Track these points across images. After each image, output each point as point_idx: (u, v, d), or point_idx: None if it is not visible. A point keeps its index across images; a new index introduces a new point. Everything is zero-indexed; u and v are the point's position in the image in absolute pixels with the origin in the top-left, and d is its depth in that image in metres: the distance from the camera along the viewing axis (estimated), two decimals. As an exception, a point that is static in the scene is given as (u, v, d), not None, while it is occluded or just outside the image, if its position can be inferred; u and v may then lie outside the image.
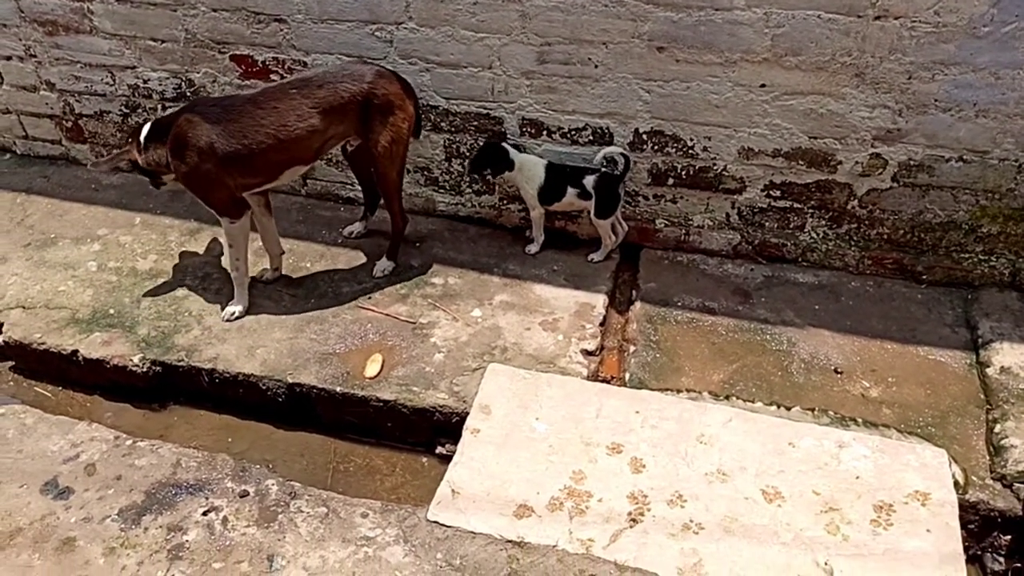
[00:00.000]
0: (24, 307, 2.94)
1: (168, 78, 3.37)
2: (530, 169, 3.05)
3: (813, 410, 2.51)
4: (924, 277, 3.03)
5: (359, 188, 3.47)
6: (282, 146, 2.66)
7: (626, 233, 3.19)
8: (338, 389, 2.62)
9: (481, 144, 3.12)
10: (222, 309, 2.91)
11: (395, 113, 2.78)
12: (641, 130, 2.99)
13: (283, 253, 3.08)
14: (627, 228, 3.19)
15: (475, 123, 3.15)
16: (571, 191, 3.02)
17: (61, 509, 2.19)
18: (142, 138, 2.70)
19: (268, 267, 3.10)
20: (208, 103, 2.71)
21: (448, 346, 2.77)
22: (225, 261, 3.08)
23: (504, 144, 3.06)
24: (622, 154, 2.97)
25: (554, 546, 2.09)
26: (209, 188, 2.72)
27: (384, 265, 3.11)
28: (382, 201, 3.14)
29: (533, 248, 3.21)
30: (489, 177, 3.14)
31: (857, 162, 2.86)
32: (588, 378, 2.66)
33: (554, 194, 3.05)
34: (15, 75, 3.59)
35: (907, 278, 3.05)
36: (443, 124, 3.19)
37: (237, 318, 2.89)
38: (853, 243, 3.04)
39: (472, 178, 3.27)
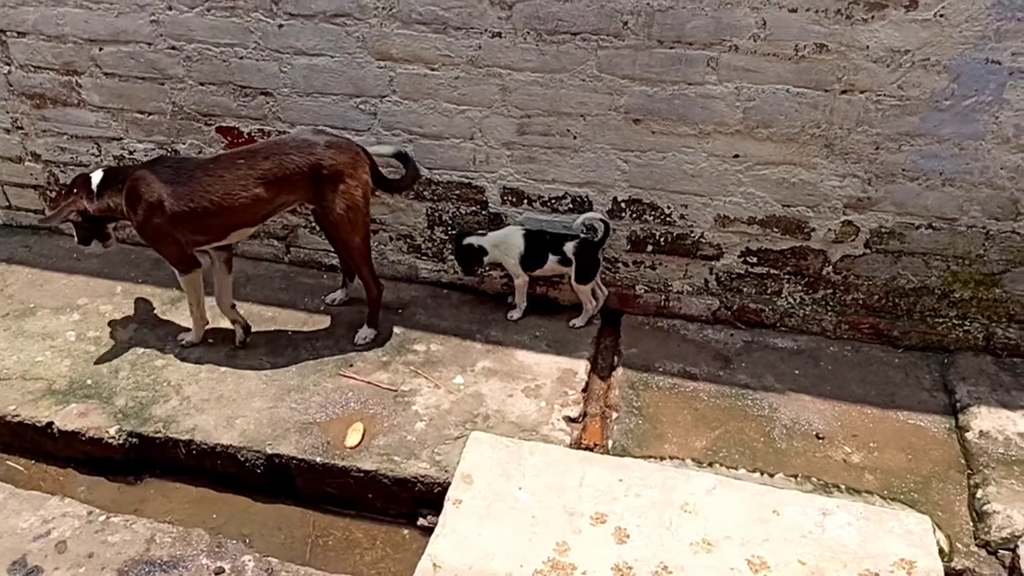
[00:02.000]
0: (0, 378, 2.90)
1: (154, 149, 3.42)
2: (507, 241, 3.10)
3: (796, 476, 2.51)
4: (901, 341, 3.08)
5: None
6: (225, 212, 2.75)
7: (606, 298, 3.23)
8: (318, 459, 2.59)
9: (455, 241, 3.20)
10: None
11: (346, 181, 2.81)
12: (619, 198, 3.06)
13: (234, 306, 3.09)
14: (607, 293, 3.22)
15: (457, 192, 3.20)
16: (552, 258, 3.06)
17: (29, 590, 2.12)
18: (94, 186, 2.81)
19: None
20: (164, 163, 2.84)
21: (430, 414, 2.76)
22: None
23: (466, 240, 3.14)
24: (601, 220, 3.02)
25: (538, 621, 2.04)
26: (160, 241, 2.84)
27: (365, 333, 3.11)
28: None
29: (516, 314, 3.23)
30: (483, 269, 3.23)
31: (830, 229, 2.93)
32: (571, 445, 2.64)
33: (536, 261, 3.09)
34: (1, 146, 3.62)
35: (884, 342, 3.09)
36: (426, 193, 3.24)
37: (188, 345, 3.06)
38: (830, 308, 3.09)
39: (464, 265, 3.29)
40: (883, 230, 2.89)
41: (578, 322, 3.19)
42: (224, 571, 2.19)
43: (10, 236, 3.78)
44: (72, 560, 2.20)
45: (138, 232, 2.87)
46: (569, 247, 3.04)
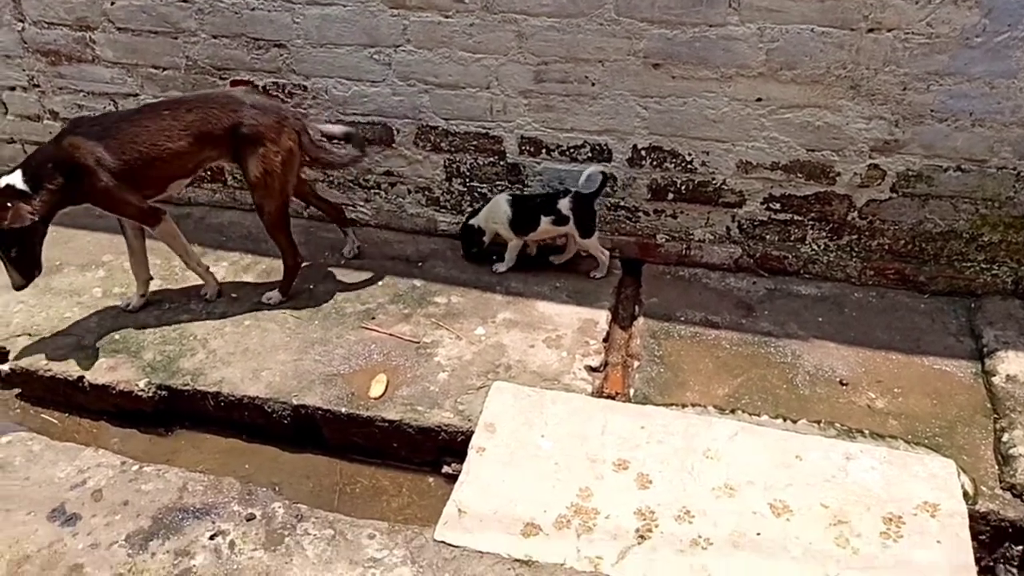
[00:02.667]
0: (30, 334, 2.95)
1: (170, 105, 3.40)
2: (494, 210, 3.10)
3: (819, 422, 2.51)
4: (927, 287, 3.04)
5: (361, 209, 3.51)
6: (155, 162, 2.73)
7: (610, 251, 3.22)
8: (343, 410, 2.62)
9: (461, 228, 3.23)
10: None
11: (266, 145, 2.78)
12: (639, 146, 3.01)
13: (151, 279, 3.07)
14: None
15: (474, 143, 3.17)
16: (545, 219, 3.03)
17: (68, 536, 2.19)
18: (21, 187, 2.57)
19: (136, 293, 3.07)
20: (86, 123, 2.74)
21: (452, 365, 2.78)
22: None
23: (470, 221, 3.18)
24: (601, 172, 2.99)
25: (562, 564, 2.08)
26: (117, 202, 2.77)
27: (272, 295, 3.09)
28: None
29: (500, 267, 3.21)
30: (483, 249, 3.22)
31: (855, 173, 2.87)
32: (593, 394, 2.65)
33: (527, 224, 3.07)
34: (19, 105, 3.63)
35: (910, 288, 3.05)
36: (443, 144, 3.21)
37: (210, 299, 3.07)
38: (854, 254, 3.05)
39: (472, 199, 3.30)
40: (910, 173, 2.83)
41: (597, 273, 3.18)
42: (255, 517, 2.24)
43: (33, 195, 3.80)
44: (108, 508, 2.27)
45: (93, 201, 2.75)
46: (564, 204, 3.00)
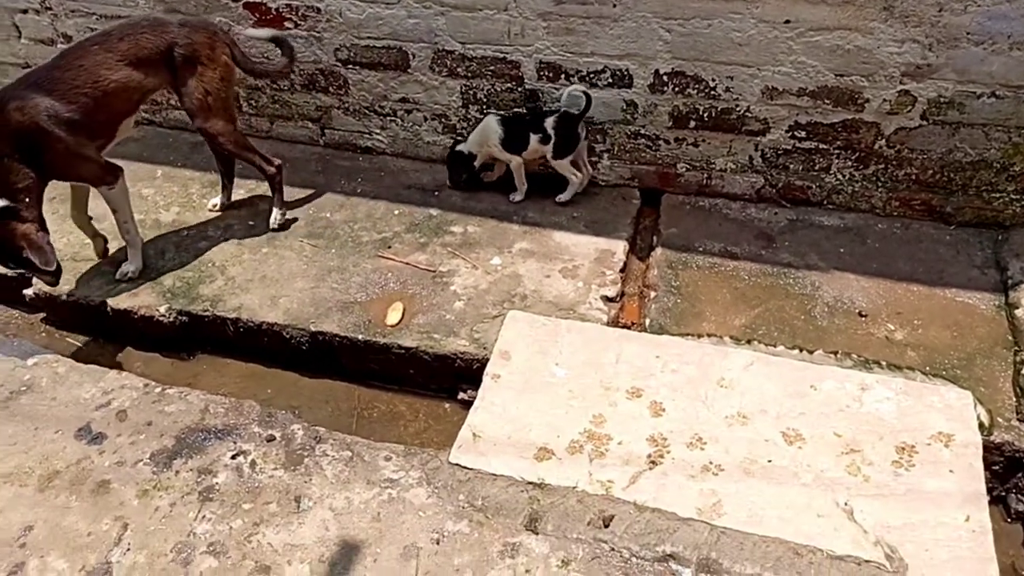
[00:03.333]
0: (52, 260, 2.99)
1: (183, 28, 3.34)
2: (485, 131, 3.06)
3: (836, 353, 2.49)
4: (953, 218, 2.97)
5: (377, 136, 3.46)
6: (102, 103, 2.60)
7: (591, 176, 3.19)
8: (360, 337, 2.65)
9: (448, 154, 3.19)
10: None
11: (204, 64, 2.73)
12: (661, 71, 2.92)
13: (97, 236, 2.95)
14: (591, 170, 3.19)
15: (491, 68, 3.10)
16: (533, 138, 3.01)
17: (95, 453, 2.26)
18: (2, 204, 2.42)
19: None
20: (22, 84, 2.53)
21: (468, 294, 2.78)
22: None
23: (457, 147, 3.14)
24: (584, 92, 2.94)
25: (574, 487, 2.12)
26: (75, 161, 2.61)
27: (275, 216, 3.07)
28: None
29: (517, 196, 3.19)
30: (474, 174, 3.19)
31: (885, 100, 2.77)
32: (608, 324, 2.65)
33: (518, 144, 3.03)
34: (32, 28, 3.58)
35: (935, 219, 2.99)
36: (459, 69, 3.14)
37: (131, 278, 2.86)
38: (880, 184, 2.98)
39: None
40: (942, 100, 2.73)
41: (563, 197, 3.14)
42: (275, 438, 2.30)
43: (50, 122, 3.79)
44: (132, 428, 2.33)
45: (52, 170, 2.57)
46: (549, 122, 2.97)
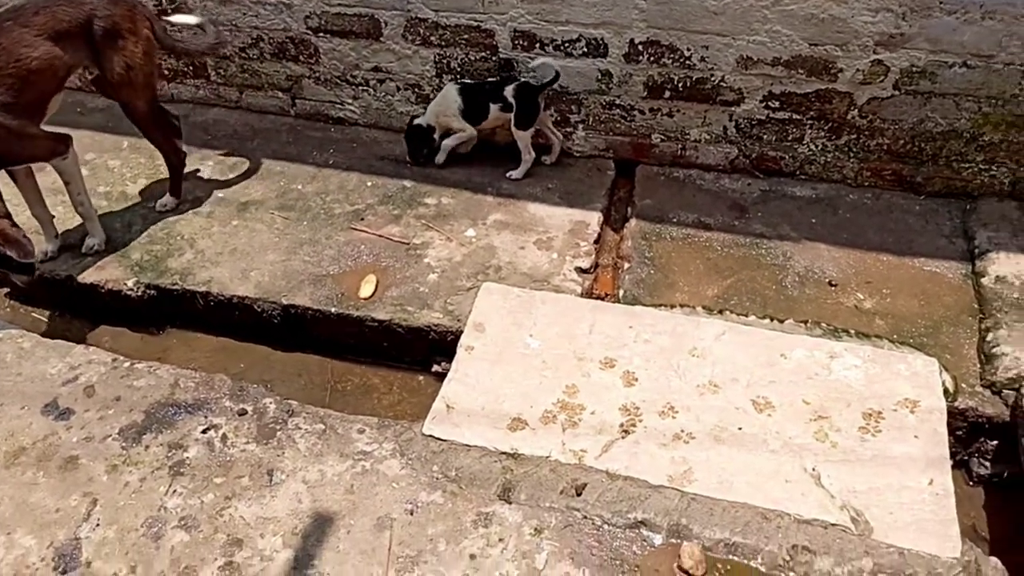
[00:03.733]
0: (16, 234, 2.92)
1: (147, -5, 3.26)
2: (443, 101, 3.03)
3: (806, 322, 2.51)
4: (923, 188, 2.99)
5: (349, 107, 3.41)
6: (29, 82, 2.48)
7: (561, 144, 3.17)
8: (333, 310, 2.63)
9: (407, 132, 3.14)
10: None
11: (125, 37, 2.65)
12: (636, 41, 2.90)
13: (54, 218, 2.86)
14: (561, 138, 3.16)
15: (465, 36, 3.05)
16: (493, 107, 2.99)
17: (63, 429, 2.23)
18: None
19: (46, 244, 2.83)
20: None
21: (442, 266, 2.77)
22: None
23: (415, 121, 3.10)
24: (555, 70, 2.93)
25: (547, 457, 2.13)
26: (21, 141, 2.51)
27: (166, 200, 3.01)
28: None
29: (440, 157, 3.17)
30: (432, 148, 3.14)
31: (858, 70, 2.78)
32: (582, 295, 2.66)
33: (478, 113, 3.01)
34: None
35: (906, 189, 3.01)
36: (432, 38, 3.09)
37: (98, 251, 2.80)
38: (852, 154, 2.99)
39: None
40: (914, 69, 2.74)
41: (515, 174, 3.12)
42: (247, 412, 2.28)
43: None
44: (101, 403, 2.30)
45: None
46: (509, 91, 2.95)
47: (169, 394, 2.33)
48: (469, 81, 3.10)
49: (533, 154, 3.10)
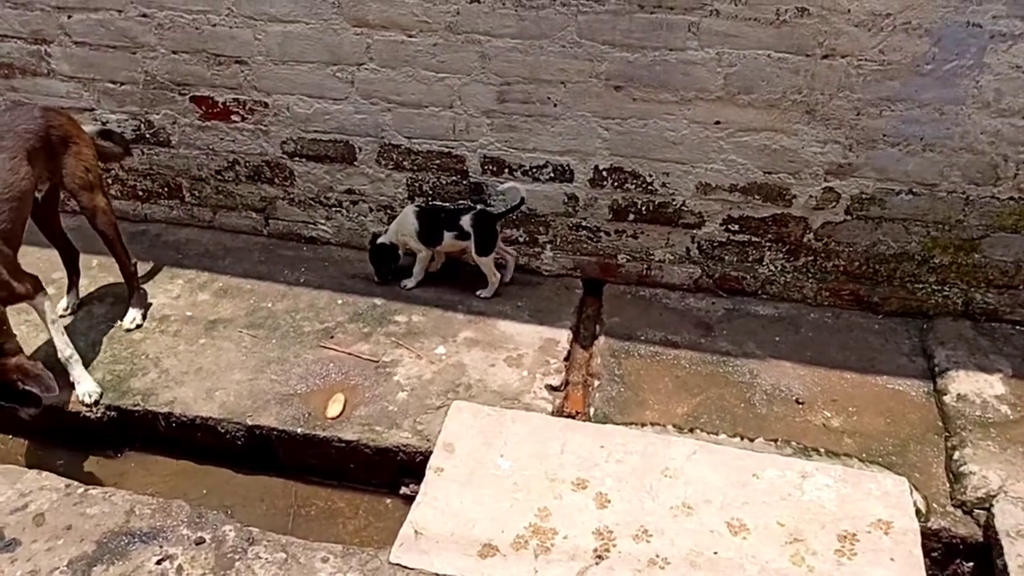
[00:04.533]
0: (-26, 352, 2.86)
1: (127, 120, 3.35)
2: (402, 222, 3.11)
3: (776, 441, 2.52)
4: (881, 307, 3.09)
5: (322, 227, 3.47)
6: (16, 211, 2.47)
7: (516, 260, 3.24)
8: (299, 430, 2.57)
9: (370, 245, 3.20)
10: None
11: (77, 142, 2.71)
12: (601, 167, 3.03)
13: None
14: (516, 256, 3.24)
15: (437, 161, 3.17)
16: (448, 234, 3.05)
17: (7, 562, 2.10)
18: None
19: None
20: None
21: (412, 384, 2.75)
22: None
23: (379, 240, 3.16)
24: (521, 196, 3.03)
25: (519, 586, 2.06)
26: (3, 280, 2.42)
27: (134, 315, 2.98)
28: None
29: (409, 283, 3.20)
30: (394, 266, 3.19)
31: (811, 196, 2.92)
32: (553, 414, 2.64)
33: (433, 237, 3.08)
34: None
35: (864, 308, 3.11)
36: (405, 163, 3.20)
37: (98, 400, 2.66)
38: (811, 275, 3.10)
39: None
40: (864, 196, 2.89)
41: (484, 293, 3.16)
42: (205, 541, 2.18)
43: (-18, 210, 3.70)
44: (50, 532, 2.19)
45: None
46: (466, 220, 3.01)
47: (124, 522, 2.22)
48: (428, 205, 3.18)
49: (499, 275, 3.16)
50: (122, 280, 3.06)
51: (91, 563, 2.10)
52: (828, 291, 3.12)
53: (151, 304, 3.06)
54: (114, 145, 3.05)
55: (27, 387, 2.29)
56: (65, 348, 2.64)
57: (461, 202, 3.17)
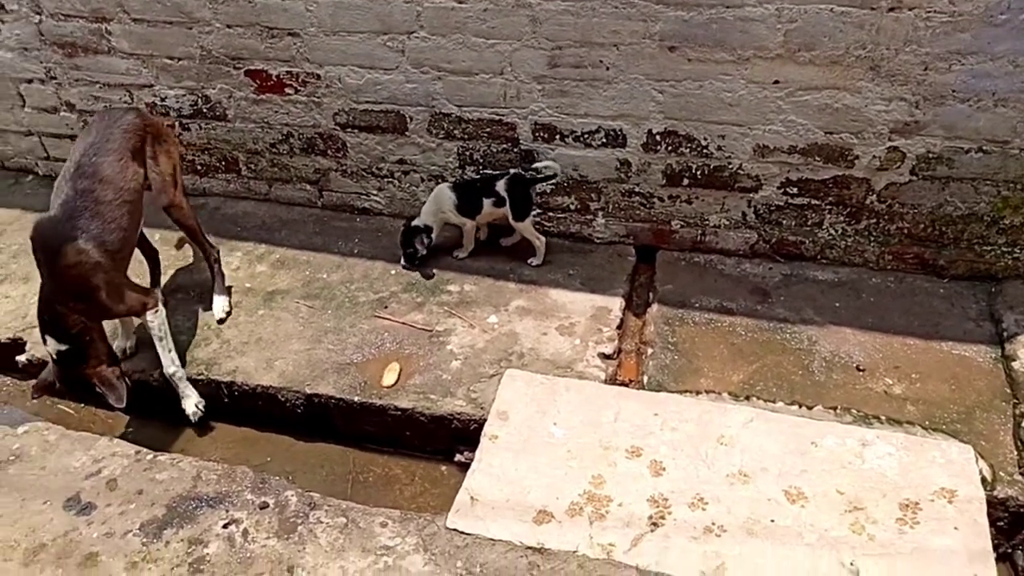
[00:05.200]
0: (47, 325, 2.98)
1: (185, 95, 3.41)
2: (438, 200, 3.09)
3: (835, 408, 2.47)
4: (946, 271, 2.98)
5: (374, 198, 3.50)
6: (129, 211, 2.55)
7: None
8: (356, 399, 2.63)
9: (403, 235, 3.15)
10: (224, 310, 2.97)
11: (166, 141, 2.79)
12: (654, 131, 2.97)
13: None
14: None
15: (488, 129, 3.15)
16: (487, 202, 3.04)
17: (84, 524, 2.21)
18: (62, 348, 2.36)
19: (122, 341, 2.85)
20: (65, 217, 2.44)
21: (465, 353, 2.77)
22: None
23: (412, 224, 3.11)
24: (555, 172, 3.02)
25: (574, 552, 2.07)
26: (113, 295, 2.47)
27: (222, 305, 2.98)
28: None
29: (461, 253, 3.22)
30: (424, 246, 3.12)
31: (875, 156, 2.82)
32: (606, 382, 2.64)
33: (472, 208, 3.07)
34: (36, 97, 3.65)
35: (929, 273, 3.00)
36: (456, 132, 3.19)
37: (201, 414, 2.69)
38: (873, 239, 3.00)
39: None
40: (931, 155, 2.77)
41: (535, 260, 3.15)
42: (268, 505, 2.25)
43: (50, 187, 3.80)
44: (123, 497, 2.29)
45: (94, 312, 2.43)
46: (500, 186, 3.00)
47: (191, 487, 2.31)
48: (461, 179, 3.19)
49: (542, 238, 3.14)
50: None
51: (162, 526, 2.20)
52: (891, 255, 3.01)
53: (230, 287, 3.13)
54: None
55: (101, 391, 2.38)
56: (170, 365, 2.64)
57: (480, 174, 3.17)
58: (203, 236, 3.00)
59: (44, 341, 2.40)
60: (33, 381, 2.92)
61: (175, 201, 2.82)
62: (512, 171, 3.05)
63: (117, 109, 2.83)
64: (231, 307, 3.01)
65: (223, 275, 3.08)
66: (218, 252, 3.08)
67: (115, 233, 2.48)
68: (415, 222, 3.13)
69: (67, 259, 2.35)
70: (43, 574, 2.08)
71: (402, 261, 3.19)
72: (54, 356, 2.39)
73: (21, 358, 2.91)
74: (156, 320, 2.62)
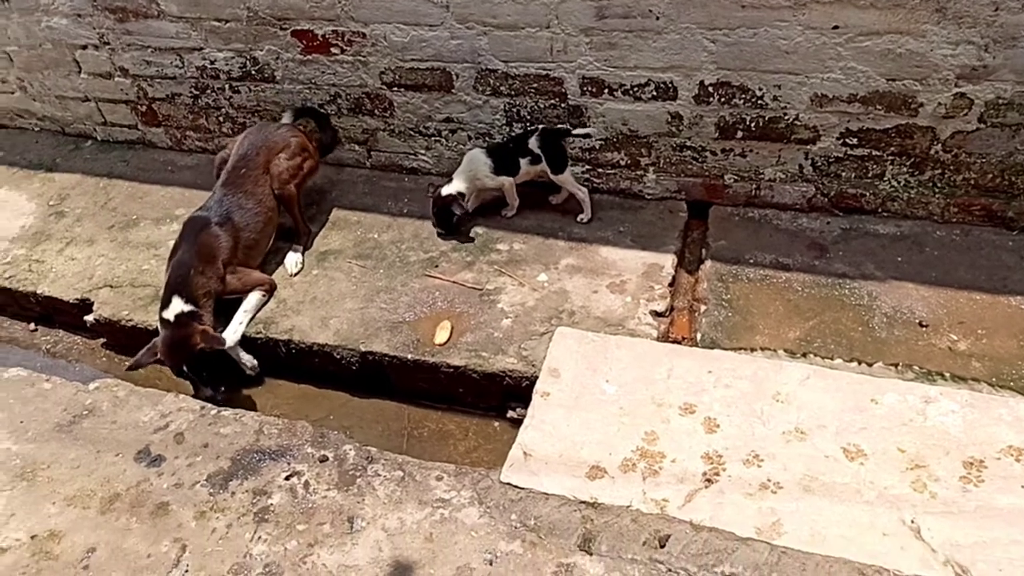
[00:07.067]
0: (112, 286, 3.08)
1: (233, 57, 3.44)
2: (472, 165, 3.06)
3: (896, 365, 2.41)
4: (1016, 223, 2.86)
5: (422, 157, 3.50)
6: (262, 221, 3.01)
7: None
8: (409, 356, 2.66)
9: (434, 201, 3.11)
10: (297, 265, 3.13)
11: (301, 153, 3.16)
12: (707, 82, 2.89)
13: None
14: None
15: (534, 85, 3.10)
16: (523, 161, 3.02)
17: (154, 475, 2.31)
18: (186, 309, 2.67)
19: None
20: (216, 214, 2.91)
21: (515, 311, 2.78)
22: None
23: (443, 192, 3.06)
24: (587, 135, 3.04)
25: (628, 506, 2.09)
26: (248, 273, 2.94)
27: (297, 259, 3.12)
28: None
29: (509, 212, 3.21)
30: (464, 209, 3.08)
31: (940, 103, 2.70)
32: (658, 339, 2.62)
33: (509, 169, 3.04)
34: (91, 63, 3.72)
35: (997, 224, 2.88)
36: (502, 88, 3.15)
37: (257, 368, 2.87)
38: (937, 190, 2.89)
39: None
40: (1000, 101, 2.64)
41: (583, 216, 3.11)
42: (328, 459, 2.31)
43: (108, 151, 3.93)
44: (189, 450, 2.37)
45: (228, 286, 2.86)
46: (533, 142, 2.98)
47: (254, 441, 2.39)
48: (491, 143, 3.19)
49: (584, 189, 3.11)
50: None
51: (227, 477, 2.28)
52: (957, 207, 2.90)
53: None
54: (323, 136, 3.41)
55: (202, 347, 2.60)
56: (233, 337, 2.80)
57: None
58: (303, 217, 3.18)
59: (167, 304, 2.65)
60: (102, 340, 3.06)
61: (287, 193, 3.09)
62: (540, 127, 3.02)
63: (271, 124, 3.23)
64: (303, 265, 3.11)
65: (308, 247, 3.19)
66: (312, 235, 3.23)
67: (248, 232, 2.95)
68: (445, 190, 3.07)
69: (200, 240, 2.82)
70: (119, 521, 2.18)
71: (437, 229, 3.16)
72: (172, 320, 2.63)
73: (89, 317, 3.01)
74: (255, 299, 2.89)
